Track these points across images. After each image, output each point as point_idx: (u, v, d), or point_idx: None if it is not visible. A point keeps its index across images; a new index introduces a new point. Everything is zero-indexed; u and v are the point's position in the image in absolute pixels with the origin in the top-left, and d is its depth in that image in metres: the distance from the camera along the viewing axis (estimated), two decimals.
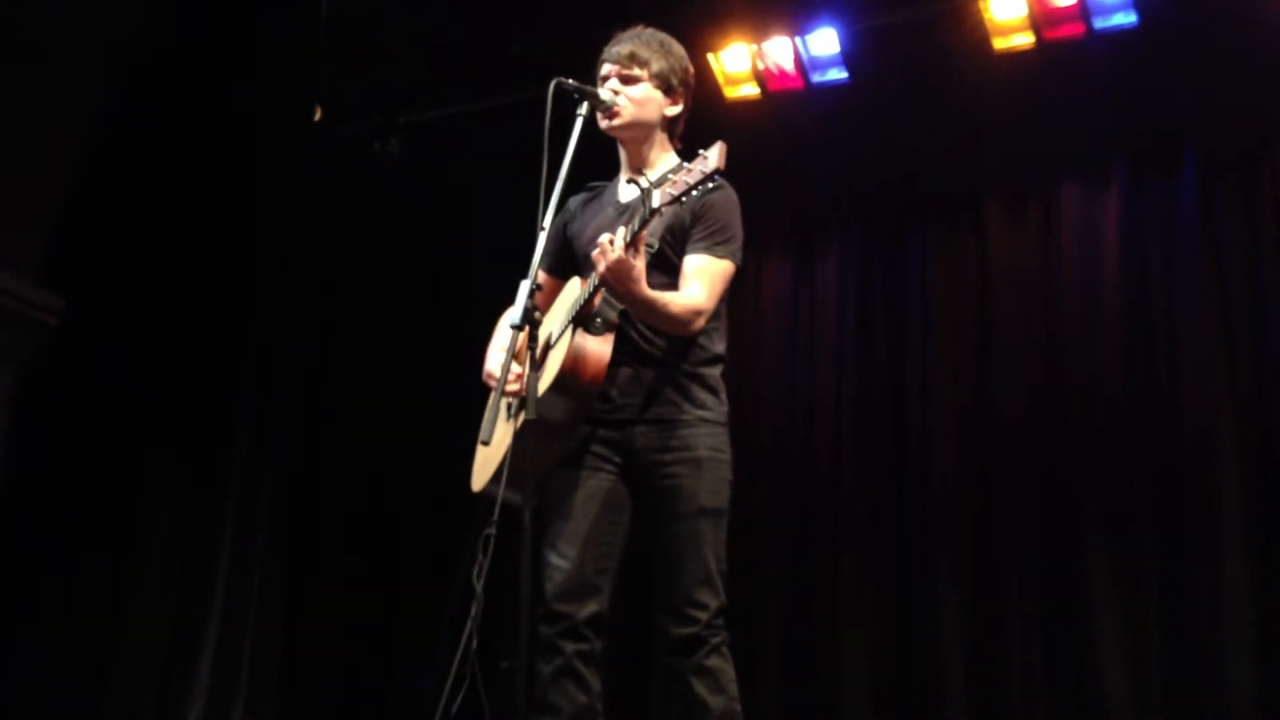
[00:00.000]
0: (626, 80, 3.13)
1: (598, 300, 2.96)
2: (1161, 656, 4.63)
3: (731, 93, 5.53)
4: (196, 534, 5.54)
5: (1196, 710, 4.53)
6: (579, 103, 3.05)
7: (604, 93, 3.10)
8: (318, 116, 6.05)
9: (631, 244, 2.72)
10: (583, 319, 2.95)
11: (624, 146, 3.22)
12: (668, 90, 3.16)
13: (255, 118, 5.83)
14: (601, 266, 2.75)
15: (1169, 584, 4.69)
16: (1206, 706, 4.51)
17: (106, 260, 5.50)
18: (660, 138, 3.19)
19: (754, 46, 5.42)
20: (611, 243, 2.74)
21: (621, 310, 2.98)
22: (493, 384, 2.96)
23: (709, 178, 2.63)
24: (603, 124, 3.12)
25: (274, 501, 5.66)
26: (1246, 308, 4.81)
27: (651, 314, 2.92)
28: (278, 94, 5.91)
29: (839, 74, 5.43)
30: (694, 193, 2.65)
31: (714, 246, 3.01)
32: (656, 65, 3.14)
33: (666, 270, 3.01)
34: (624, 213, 3.10)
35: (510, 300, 2.87)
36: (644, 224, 2.70)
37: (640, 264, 2.76)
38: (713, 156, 2.63)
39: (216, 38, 5.65)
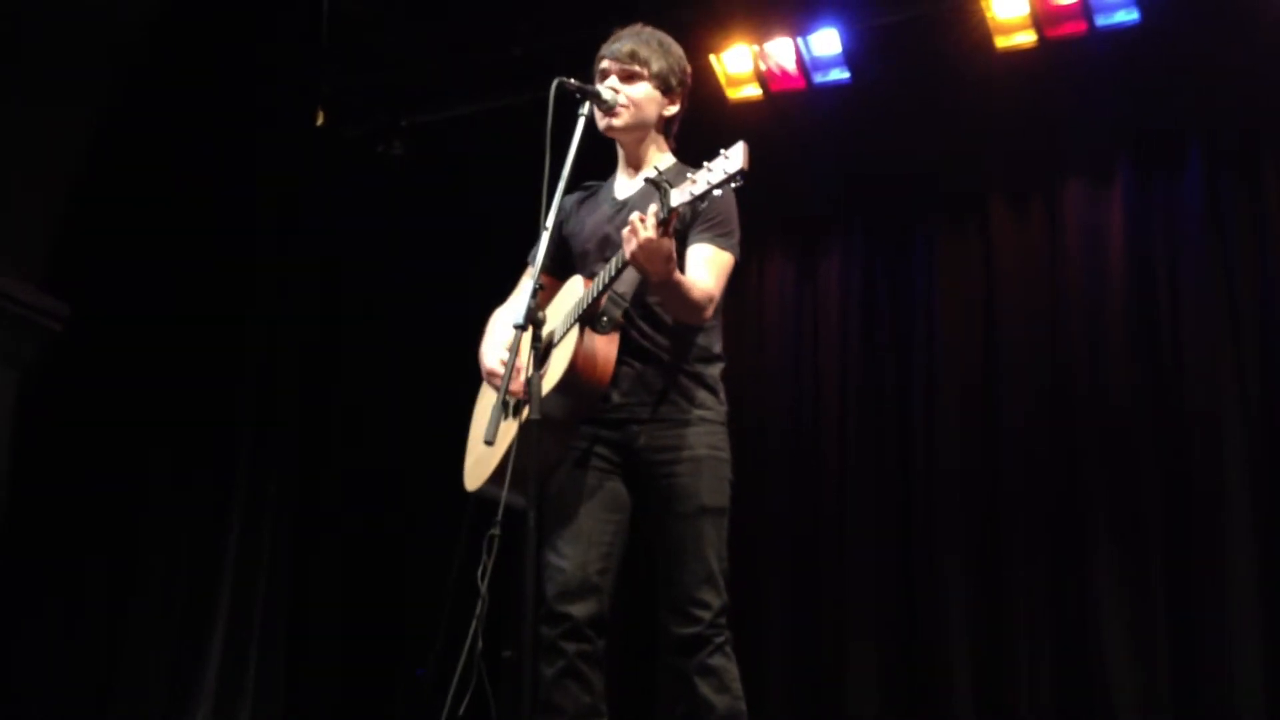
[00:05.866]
0: (626, 78, 3.12)
1: (604, 299, 2.95)
2: (1169, 654, 4.64)
3: (734, 94, 5.52)
4: (201, 534, 5.55)
5: (1204, 708, 4.53)
6: (581, 102, 3.04)
7: (605, 91, 3.09)
8: (320, 119, 6.06)
9: (663, 224, 2.67)
10: (589, 318, 2.94)
11: (621, 145, 3.21)
12: (666, 90, 3.15)
13: (257, 121, 5.84)
14: (633, 245, 2.68)
15: (1176, 582, 4.70)
16: (1214, 704, 4.50)
17: (109, 264, 5.50)
18: (656, 137, 3.19)
19: (756, 47, 5.41)
20: (643, 221, 2.66)
21: (624, 309, 2.97)
22: (496, 384, 2.95)
23: (733, 178, 2.57)
24: (601, 124, 3.11)
25: (279, 501, 5.66)
26: (1253, 303, 4.81)
27: (676, 296, 2.87)
28: (280, 97, 5.92)
29: (841, 74, 5.43)
30: (716, 193, 2.61)
31: (717, 238, 3.00)
32: (656, 65, 3.13)
33: None
34: (622, 209, 3.09)
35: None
36: (670, 213, 2.64)
37: (670, 244, 2.71)
38: (735, 156, 2.56)
39: (218, 40, 5.66)
